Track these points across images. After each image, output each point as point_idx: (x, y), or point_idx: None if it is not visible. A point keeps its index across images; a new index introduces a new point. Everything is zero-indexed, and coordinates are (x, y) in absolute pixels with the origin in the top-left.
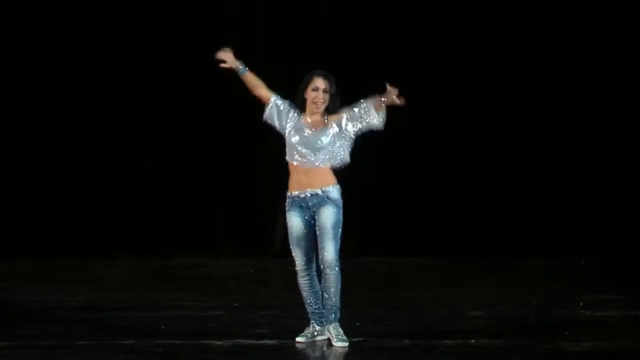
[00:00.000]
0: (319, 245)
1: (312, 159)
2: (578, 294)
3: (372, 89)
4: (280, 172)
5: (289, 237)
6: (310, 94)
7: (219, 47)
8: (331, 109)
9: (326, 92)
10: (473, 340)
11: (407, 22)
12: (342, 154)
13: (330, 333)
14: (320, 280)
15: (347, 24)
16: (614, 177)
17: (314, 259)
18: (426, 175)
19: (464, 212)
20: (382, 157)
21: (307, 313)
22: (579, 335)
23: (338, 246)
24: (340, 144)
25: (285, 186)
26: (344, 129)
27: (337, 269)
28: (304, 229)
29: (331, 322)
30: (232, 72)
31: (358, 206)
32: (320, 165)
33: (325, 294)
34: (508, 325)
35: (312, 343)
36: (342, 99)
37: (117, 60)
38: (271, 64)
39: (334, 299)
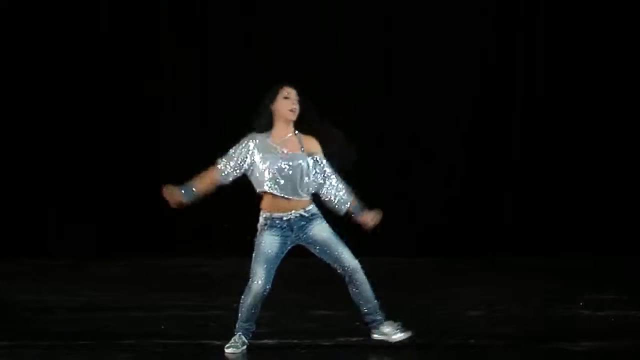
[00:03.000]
0: (331, 258)
1: (295, 187)
2: (578, 293)
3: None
4: None
5: (256, 254)
6: (282, 104)
7: (218, 47)
8: (307, 122)
9: (298, 99)
10: (473, 340)
11: (407, 22)
12: (310, 188)
13: (386, 332)
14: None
15: (347, 24)
16: (614, 177)
17: (271, 283)
18: (426, 175)
19: (464, 212)
20: (382, 157)
21: (239, 326)
22: (578, 335)
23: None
24: (311, 176)
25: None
26: (320, 162)
27: (362, 269)
28: (278, 250)
29: (382, 322)
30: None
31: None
32: (303, 194)
33: (361, 300)
34: (508, 325)
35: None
36: (341, 99)
37: (117, 59)
38: (271, 65)
39: (374, 301)
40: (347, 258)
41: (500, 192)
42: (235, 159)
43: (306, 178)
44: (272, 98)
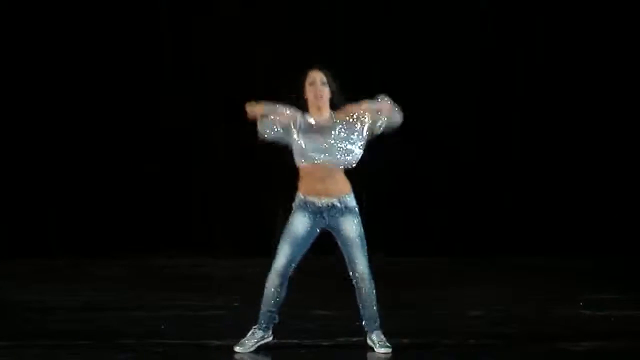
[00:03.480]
0: (347, 258)
1: (322, 159)
2: (578, 293)
3: (372, 94)
4: (280, 172)
5: (285, 233)
6: (309, 90)
7: (217, 47)
8: (336, 104)
9: (324, 84)
10: (473, 340)
11: (407, 22)
12: (352, 154)
13: (373, 340)
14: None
15: (346, 24)
16: (614, 177)
17: (295, 266)
18: (426, 175)
19: (464, 211)
20: (381, 157)
21: (260, 316)
22: (578, 335)
23: (367, 256)
24: (351, 141)
25: (290, 187)
26: (358, 123)
27: (370, 279)
28: (306, 232)
29: (373, 330)
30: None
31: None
32: (331, 166)
33: (361, 306)
34: (508, 325)
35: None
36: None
37: (116, 59)
38: (271, 67)
39: (372, 309)
40: (360, 265)
41: (500, 192)
42: (281, 116)
43: (333, 149)
44: (301, 86)
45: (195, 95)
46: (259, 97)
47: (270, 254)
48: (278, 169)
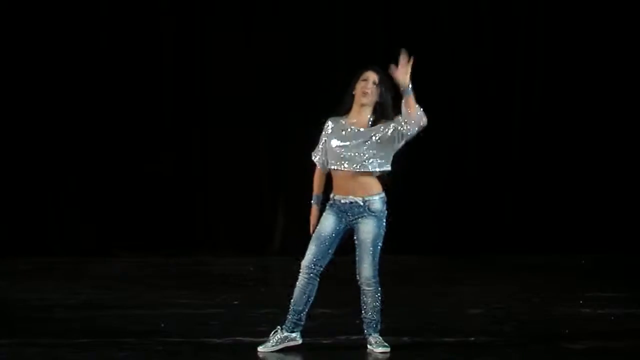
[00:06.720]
0: (357, 259)
1: (347, 164)
2: (578, 292)
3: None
4: (280, 171)
5: (315, 231)
6: (359, 85)
7: (218, 47)
8: (380, 112)
9: (376, 84)
10: (472, 338)
11: (407, 22)
12: (381, 162)
13: (370, 341)
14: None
15: (346, 24)
16: (613, 175)
17: (324, 265)
18: (426, 174)
19: (464, 210)
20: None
21: (288, 314)
22: (578, 333)
23: (377, 262)
24: (381, 151)
25: (291, 187)
26: (389, 136)
27: (375, 285)
28: (333, 232)
29: (370, 334)
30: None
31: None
32: (359, 168)
33: (363, 309)
34: (507, 323)
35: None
36: (341, 97)
37: (117, 59)
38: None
39: (370, 313)
40: (365, 271)
41: (500, 191)
42: (322, 147)
43: (372, 151)
44: (354, 81)
45: (196, 95)
46: (259, 98)
47: (269, 253)
48: (279, 169)
